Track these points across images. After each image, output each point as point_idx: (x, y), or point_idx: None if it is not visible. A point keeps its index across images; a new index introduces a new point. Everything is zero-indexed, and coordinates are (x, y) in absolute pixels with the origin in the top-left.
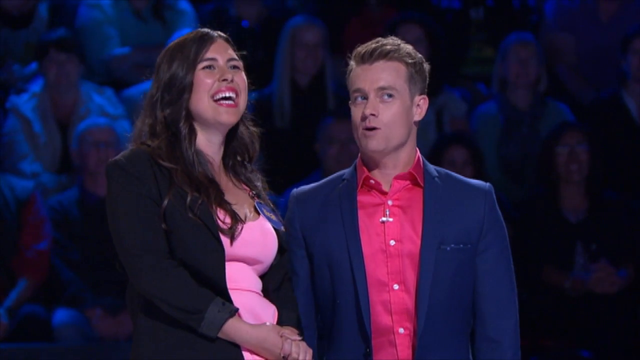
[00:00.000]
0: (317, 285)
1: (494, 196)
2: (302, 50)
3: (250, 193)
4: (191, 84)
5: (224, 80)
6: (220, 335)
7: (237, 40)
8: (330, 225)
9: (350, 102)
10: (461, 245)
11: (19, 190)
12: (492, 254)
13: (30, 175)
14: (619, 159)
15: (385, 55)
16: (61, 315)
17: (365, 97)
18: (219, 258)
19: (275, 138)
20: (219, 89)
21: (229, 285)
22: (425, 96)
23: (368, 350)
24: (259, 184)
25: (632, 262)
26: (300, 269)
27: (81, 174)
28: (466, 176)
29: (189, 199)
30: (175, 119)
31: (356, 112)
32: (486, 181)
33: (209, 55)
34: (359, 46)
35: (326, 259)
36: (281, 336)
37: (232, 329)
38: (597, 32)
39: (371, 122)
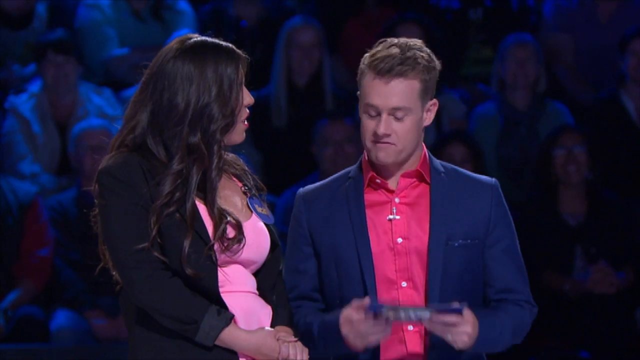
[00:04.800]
0: (324, 284)
1: (501, 191)
2: (298, 51)
3: (243, 188)
4: (240, 108)
5: (247, 104)
6: (217, 343)
7: (236, 41)
8: (338, 224)
9: (360, 109)
10: (469, 241)
11: (21, 194)
12: (500, 248)
13: (30, 176)
14: (617, 160)
15: (402, 74)
16: (60, 317)
17: (379, 114)
18: (211, 266)
19: (273, 139)
20: (246, 115)
21: (225, 288)
22: (435, 100)
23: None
24: (247, 173)
25: (631, 264)
26: (308, 267)
27: (79, 176)
28: None
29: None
30: (212, 142)
31: (368, 125)
32: None
33: (240, 79)
34: (376, 47)
35: (334, 258)
36: (278, 339)
37: (228, 337)
38: (595, 33)
39: (384, 140)
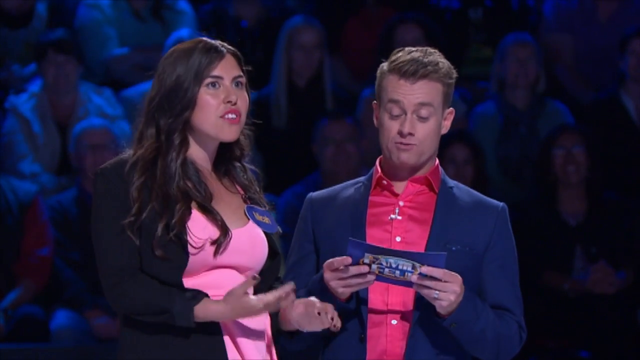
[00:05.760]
0: None
1: (507, 215)
2: (299, 52)
3: (244, 196)
4: (195, 100)
5: (229, 102)
6: (197, 321)
7: (236, 41)
8: (338, 221)
9: (382, 107)
10: (467, 249)
11: (22, 193)
12: (498, 265)
13: (30, 175)
14: (617, 160)
15: (426, 76)
16: (60, 317)
17: (404, 112)
18: (178, 273)
19: (273, 139)
20: (225, 110)
21: (217, 292)
22: (452, 108)
23: (363, 335)
24: (254, 186)
25: (631, 264)
26: (305, 264)
27: (79, 176)
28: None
29: (162, 215)
30: (171, 130)
31: (391, 125)
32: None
33: (215, 72)
34: (396, 54)
35: (331, 252)
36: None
37: (202, 312)
38: (595, 33)
39: (408, 140)
